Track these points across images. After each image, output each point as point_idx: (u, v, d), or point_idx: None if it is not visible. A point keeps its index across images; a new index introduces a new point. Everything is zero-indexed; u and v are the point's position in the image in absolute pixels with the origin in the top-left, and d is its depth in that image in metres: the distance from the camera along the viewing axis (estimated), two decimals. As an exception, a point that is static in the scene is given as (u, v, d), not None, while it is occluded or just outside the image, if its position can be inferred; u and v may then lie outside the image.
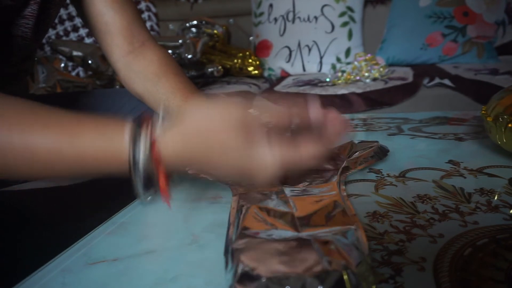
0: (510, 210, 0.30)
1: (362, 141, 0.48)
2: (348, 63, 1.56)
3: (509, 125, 0.39)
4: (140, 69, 0.57)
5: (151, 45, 0.59)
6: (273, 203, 0.33)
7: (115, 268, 0.27)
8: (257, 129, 0.30)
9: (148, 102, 0.58)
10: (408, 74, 1.32)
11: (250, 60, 1.64)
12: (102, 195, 0.79)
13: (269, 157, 0.29)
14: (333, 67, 1.60)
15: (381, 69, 1.35)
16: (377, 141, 0.47)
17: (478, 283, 0.22)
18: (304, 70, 1.65)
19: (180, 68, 0.59)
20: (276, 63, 1.68)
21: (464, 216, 0.30)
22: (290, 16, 1.64)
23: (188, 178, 0.44)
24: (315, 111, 0.33)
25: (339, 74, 1.40)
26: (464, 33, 1.42)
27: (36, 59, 1.33)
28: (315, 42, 1.61)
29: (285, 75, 1.69)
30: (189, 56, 1.42)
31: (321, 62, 1.62)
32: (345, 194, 0.34)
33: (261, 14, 1.71)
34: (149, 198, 0.31)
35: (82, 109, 0.63)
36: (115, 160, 0.30)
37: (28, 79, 1.24)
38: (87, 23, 0.57)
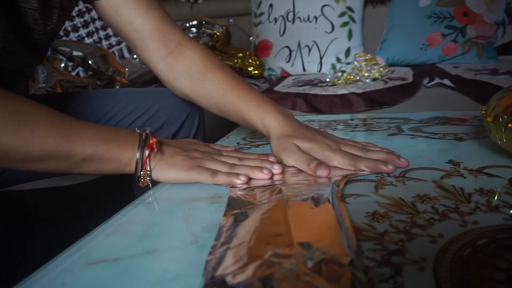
0: (510, 210, 0.30)
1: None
2: (348, 63, 1.56)
3: (509, 125, 0.39)
4: (184, 70, 0.56)
5: (188, 43, 0.58)
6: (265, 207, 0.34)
7: (115, 268, 0.27)
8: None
9: (197, 101, 0.58)
10: (408, 74, 1.32)
11: (250, 60, 1.63)
12: (102, 195, 0.79)
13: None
14: (333, 67, 1.60)
15: (381, 69, 1.35)
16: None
17: (478, 283, 0.22)
18: (304, 70, 1.65)
19: (223, 63, 0.58)
20: (276, 63, 1.68)
21: (464, 216, 0.30)
22: (290, 16, 1.64)
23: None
24: None
25: (339, 74, 1.40)
26: (464, 33, 1.42)
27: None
28: (315, 42, 1.61)
29: (285, 75, 1.69)
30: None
31: (321, 62, 1.62)
32: (339, 195, 0.35)
33: (261, 14, 1.71)
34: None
35: (84, 109, 0.63)
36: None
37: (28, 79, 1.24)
38: (119, 34, 0.57)
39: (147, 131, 0.44)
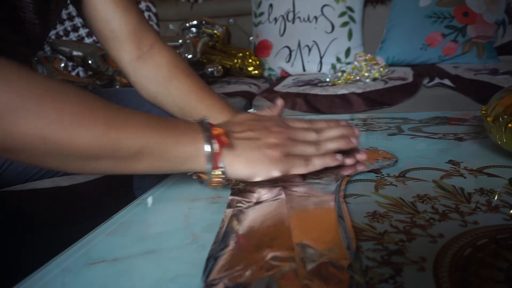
0: (510, 210, 0.30)
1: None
2: (348, 63, 1.56)
3: (509, 125, 0.39)
4: (150, 74, 0.57)
5: (160, 47, 0.58)
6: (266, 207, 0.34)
7: (115, 268, 0.27)
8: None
9: (162, 106, 0.58)
10: (408, 74, 1.32)
11: (250, 60, 1.63)
12: (102, 195, 0.79)
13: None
14: (333, 67, 1.60)
15: (381, 69, 1.35)
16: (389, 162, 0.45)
17: (478, 283, 0.22)
18: (304, 70, 1.65)
19: (190, 68, 0.59)
20: (276, 63, 1.68)
21: (464, 216, 0.30)
22: (290, 16, 1.64)
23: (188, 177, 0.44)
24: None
25: (339, 74, 1.40)
26: (464, 33, 1.42)
27: (36, 59, 1.33)
28: (315, 42, 1.61)
29: (285, 75, 1.69)
30: (189, 56, 1.42)
31: (321, 62, 1.62)
32: (342, 194, 0.35)
33: (261, 14, 1.71)
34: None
35: None
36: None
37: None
38: (92, 29, 0.56)
39: (207, 120, 0.37)
